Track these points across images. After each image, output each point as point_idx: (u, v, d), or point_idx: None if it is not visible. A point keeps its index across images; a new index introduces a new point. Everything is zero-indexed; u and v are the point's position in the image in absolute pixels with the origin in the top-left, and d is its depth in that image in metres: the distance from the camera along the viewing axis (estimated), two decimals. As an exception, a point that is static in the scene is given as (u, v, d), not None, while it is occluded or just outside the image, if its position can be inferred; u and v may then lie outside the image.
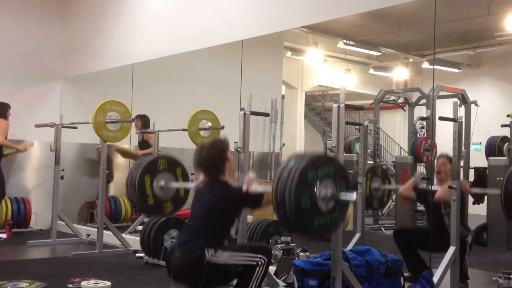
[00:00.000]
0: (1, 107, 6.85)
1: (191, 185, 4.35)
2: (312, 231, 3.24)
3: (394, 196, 8.41)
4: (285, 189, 3.11)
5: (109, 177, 6.41)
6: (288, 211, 3.09)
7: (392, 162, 9.49)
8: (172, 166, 4.66)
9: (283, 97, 9.60)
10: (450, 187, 4.11)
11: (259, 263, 3.31)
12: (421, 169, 7.53)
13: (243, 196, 3.52)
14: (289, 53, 10.19)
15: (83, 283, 4.29)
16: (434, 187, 4.60)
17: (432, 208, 4.53)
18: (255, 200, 3.53)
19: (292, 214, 3.10)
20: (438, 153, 4.71)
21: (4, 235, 6.70)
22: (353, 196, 3.26)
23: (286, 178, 3.12)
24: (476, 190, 5.28)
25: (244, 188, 3.51)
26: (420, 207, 7.24)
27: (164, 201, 4.58)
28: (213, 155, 3.52)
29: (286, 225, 3.21)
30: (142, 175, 4.50)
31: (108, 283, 4.33)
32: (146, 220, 6.37)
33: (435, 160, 4.69)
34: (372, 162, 8.25)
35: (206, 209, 3.45)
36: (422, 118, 7.64)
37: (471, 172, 6.87)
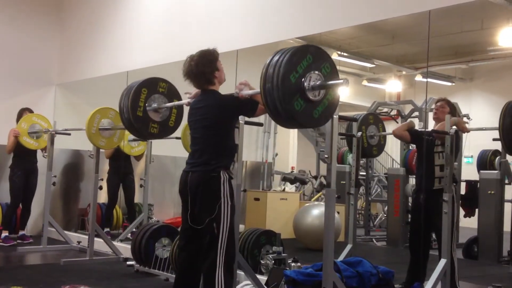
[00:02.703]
0: (18, 113, 6.93)
1: (184, 102, 4.25)
2: (316, 122, 3.27)
3: (386, 208, 8.45)
4: (275, 100, 3.06)
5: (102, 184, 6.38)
6: (286, 119, 3.11)
7: (384, 174, 9.53)
8: (171, 94, 4.54)
9: (276, 107, 9.61)
10: (443, 200, 4.13)
11: (219, 261, 3.34)
12: (412, 181, 7.56)
13: (237, 101, 3.51)
14: (283, 63, 10.21)
15: (73, 291, 4.28)
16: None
17: (425, 148, 4.53)
18: (250, 106, 3.51)
19: (293, 120, 3.14)
20: (437, 97, 4.71)
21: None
22: (340, 80, 3.20)
23: (271, 89, 3.05)
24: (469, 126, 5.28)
25: (235, 92, 3.51)
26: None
27: (152, 121, 4.47)
28: (203, 65, 3.52)
29: (266, 100, 3.13)
30: (140, 86, 4.40)
31: (98, 291, 4.32)
32: (135, 229, 6.36)
33: (434, 104, 4.71)
34: (365, 173, 8.29)
35: (206, 127, 3.48)
36: (414, 131, 7.67)
37: (463, 185, 6.91)
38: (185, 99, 4.04)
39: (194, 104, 3.66)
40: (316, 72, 3.14)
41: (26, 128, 6.73)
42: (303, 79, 3.10)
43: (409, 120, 4.88)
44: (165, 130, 4.57)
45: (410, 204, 7.71)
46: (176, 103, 4.47)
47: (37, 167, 6.94)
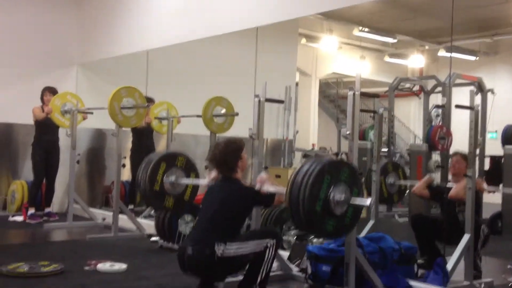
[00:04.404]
0: (42, 92, 6.95)
1: (202, 182, 4.41)
2: (349, 228, 3.38)
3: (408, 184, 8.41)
4: (309, 231, 3.30)
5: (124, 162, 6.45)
6: (302, 217, 3.19)
7: (407, 150, 9.45)
8: (189, 168, 4.77)
9: (297, 84, 9.58)
10: (465, 175, 4.10)
11: (268, 244, 3.36)
12: (435, 157, 7.49)
13: (255, 195, 3.64)
14: (303, 40, 10.15)
15: (99, 265, 4.36)
16: (448, 185, 4.60)
17: (446, 206, 4.52)
18: (267, 200, 3.65)
19: (328, 237, 3.39)
20: (453, 150, 4.69)
21: (20, 218, 6.80)
22: (367, 201, 3.32)
23: (301, 224, 3.20)
24: (491, 188, 5.24)
25: (257, 187, 3.64)
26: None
27: (168, 195, 4.66)
28: (227, 153, 3.61)
29: (300, 229, 3.31)
30: (159, 160, 4.60)
31: (124, 266, 4.39)
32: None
33: (450, 158, 4.69)
34: (387, 149, 8.23)
35: (218, 207, 3.51)
36: (437, 106, 7.59)
37: (487, 161, 6.83)
38: (205, 181, 4.16)
39: (214, 187, 3.73)
40: (337, 187, 3.23)
41: (59, 106, 6.77)
42: (328, 201, 3.19)
43: (427, 176, 4.92)
44: (180, 203, 4.75)
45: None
46: (194, 181, 4.64)
47: (58, 145, 7.01)
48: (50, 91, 6.92)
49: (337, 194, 3.22)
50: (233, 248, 3.34)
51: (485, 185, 4.51)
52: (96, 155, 8.15)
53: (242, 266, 3.52)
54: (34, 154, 6.86)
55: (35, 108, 6.86)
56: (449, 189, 4.46)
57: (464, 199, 4.14)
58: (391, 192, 5.62)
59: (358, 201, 3.29)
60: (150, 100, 6.82)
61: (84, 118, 6.94)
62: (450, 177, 4.72)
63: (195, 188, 4.79)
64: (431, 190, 4.80)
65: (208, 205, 3.58)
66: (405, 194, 8.91)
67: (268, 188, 3.63)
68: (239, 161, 3.63)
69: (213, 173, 3.84)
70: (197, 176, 4.80)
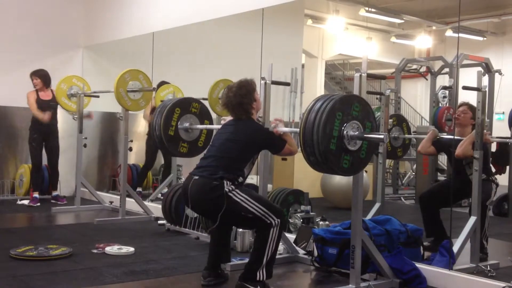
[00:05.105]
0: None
1: (216, 127, 4.36)
2: (366, 161, 3.34)
3: (414, 167, 8.41)
4: (325, 170, 3.20)
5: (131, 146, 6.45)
6: (318, 157, 3.13)
7: (413, 132, 9.43)
8: (203, 114, 4.75)
9: (303, 66, 9.53)
10: (473, 157, 4.08)
11: (273, 223, 3.34)
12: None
13: (268, 134, 3.63)
14: (309, 21, 10.08)
15: (107, 249, 4.40)
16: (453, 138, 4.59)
17: (453, 159, 4.49)
18: (278, 142, 3.63)
19: (346, 174, 3.28)
20: (460, 101, 4.65)
21: (28, 202, 6.85)
22: (381, 135, 3.26)
23: (317, 163, 3.16)
24: (496, 139, 5.20)
25: (272, 126, 3.65)
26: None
27: (182, 140, 4.67)
28: (241, 96, 3.57)
29: (317, 169, 3.26)
30: (174, 106, 4.59)
31: (132, 249, 4.43)
32: (166, 190, 6.47)
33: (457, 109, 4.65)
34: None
35: (229, 140, 3.52)
36: (444, 87, 7.53)
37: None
38: (218, 125, 4.12)
39: (228, 125, 3.69)
40: (349, 122, 3.18)
41: (65, 90, 6.77)
42: (341, 137, 3.15)
43: (430, 130, 4.83)
44: (194, 149, 4.75)
45: (439, 162, 7.66)
46: (208, 126, 4.62)
47: (56, 128, 6.95)
48: (36, 75, 6.81)
49: (351, 130, 3.18)
50: (241, 196, 3.35)
51: (494, 138, 4.50)
52: (103, 138, 8.17)
53: (240, 221, 3.51)
54: (31, 139, 6.83)
55: (29, 93, 6.79)
56: (456, 141, 4.42)
57: (471, 156, 4.13)
58: (395, 146, 5.57)
59: (372, 135, 3.26)
60: (163, 83, 6.79)
61: (89, 116, 6.90)
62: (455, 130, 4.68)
63: (209, 134, 4.79)
64: (436, 146, 4.77)
65: (220, 138, 3.60)
66: (407, 177, 8.94)
67: (282, 129, 3.64)
68: (253, 102, 3.60)
69: (228, 119, 3.79)
70: (211, 123, 4.83)
